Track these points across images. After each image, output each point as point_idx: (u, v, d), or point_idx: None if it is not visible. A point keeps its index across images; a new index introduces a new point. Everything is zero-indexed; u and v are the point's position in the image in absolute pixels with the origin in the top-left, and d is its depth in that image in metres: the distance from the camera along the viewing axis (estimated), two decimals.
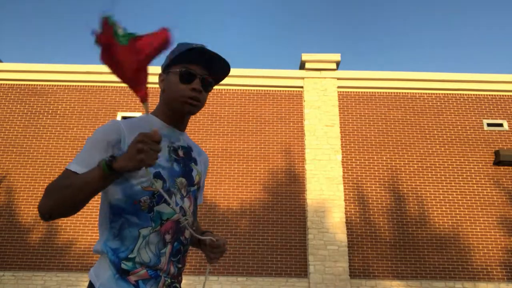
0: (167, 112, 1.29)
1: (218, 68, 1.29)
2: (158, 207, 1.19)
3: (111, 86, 9.39)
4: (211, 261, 1.33)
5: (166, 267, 1.21)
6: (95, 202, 8.50)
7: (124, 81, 0.98)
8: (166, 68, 1.29)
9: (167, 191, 1.21)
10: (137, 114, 9.18)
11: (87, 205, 8.48)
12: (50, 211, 1.09)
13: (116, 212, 1.18)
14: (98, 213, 8.39)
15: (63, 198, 1.06)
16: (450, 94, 9.36)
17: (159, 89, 1.33)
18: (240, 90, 9.39)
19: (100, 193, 1.19)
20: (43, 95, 9.31)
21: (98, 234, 8.24)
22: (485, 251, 8.23)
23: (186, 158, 1.31)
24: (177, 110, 1.26)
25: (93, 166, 1.12)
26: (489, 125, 9.09)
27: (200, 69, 1.26)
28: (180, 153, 1.29)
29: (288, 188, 8.63)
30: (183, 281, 8.00)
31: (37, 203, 8.41)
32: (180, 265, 1.27)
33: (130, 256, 1.16)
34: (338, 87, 9.34)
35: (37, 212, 8.31)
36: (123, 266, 1.14)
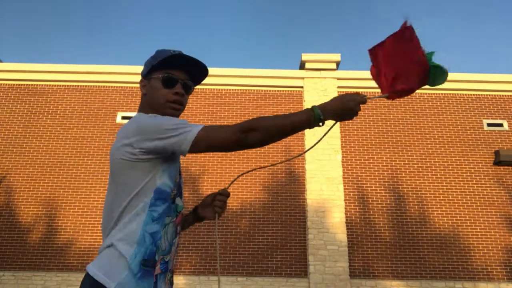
0: (149, 113, 1.34)
1: (197, 71, 1.38)
2: (177, 199, 1.28)
3: (111, 86, 9.40)
4: (216, 209, 1.38)
5: (173, 257, 1.28)
6: (95, 202, 8.51)
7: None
8: (147, 74, 1.36)
9: (179, 186, 1.31)
10: None
11: (86, 205, 8.48)
12: (257, 141, 1.17)
13: (160, 196, 1.20)
14: (101, 212, 8.40)
15: (273, 133, 1.16)
16: (450, 94, 9.37)
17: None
18: (240, 90, 9.39)
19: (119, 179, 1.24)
20: (43, 95, 9.31)
21: (98, 234, 8.25)
22: (485, 251, 8.23)
23: None
24: (161, 113, 1.32)
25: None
26: (489, 125, 9.09)
27: (180, 73, 1.34)
28: None
29: (288, 188, 8.63)
30: (183, 281, 8.00)
31: (37, 203, 8.42)
32: (175, 256, 1.34)
33: (161, 242, 1.19)
34: (338, 87, 9.34)
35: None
36: (156, 255, 1.16)
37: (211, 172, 8.72)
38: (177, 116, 1.34)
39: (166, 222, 1.21)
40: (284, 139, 8.96)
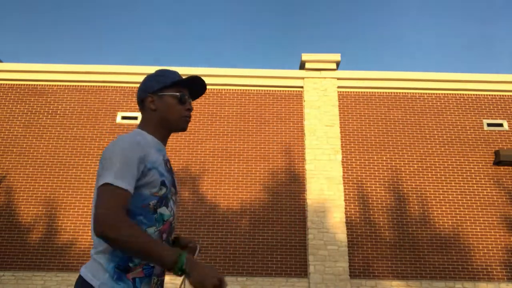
0: (159, 129, 1.47)
1: (197, 91, 1.59)
2: (160, 209, 1.36)
3: (111, 86, 9.40)
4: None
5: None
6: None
7: None
8: (157, 91, 1.48)
9: (165, 197, 1.39)
10: (137, 114, 9.19)
11: (86, 205, 8.48)
12: (113, 240, 1.14)
13: (130, 215, 1.30)
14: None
15: (131, 243, 1.14)
16: (450, 94, 9.37)
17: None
18: (240, 90, 9.39)
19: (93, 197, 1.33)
20: (43, 95, 9.31)
21: None
22: (485, 251, 8.23)
23: (171, 170, 1.52)
24: (176, 127, 1.49)
25: (132, 184, 1.24)
26: (489, 125, 9.09)
27: (187, 92, 1.54)
28: (168, 165, 1.49)
29: (288, 188, 8.63)
30: (181, 281, 7.99)
31: (37, 203, 8.42)
32: None
33: None
34: (338, 87, 9.34)
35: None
36: (130, 263, 1.27)
37: (211, 172, 8.72)
38: (186, 129, 1.54)
39: (150, 232, 1.31)
40: (284, 140, 8.96)
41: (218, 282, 1.13)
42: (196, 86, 1.56)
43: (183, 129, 1.51)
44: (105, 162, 1.24)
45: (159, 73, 1.50)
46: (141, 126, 1.47)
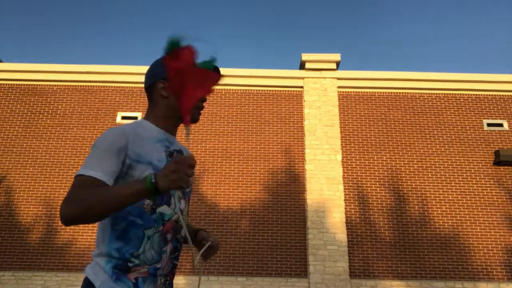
0: (168, 118, 1.36)
1: None
2: (160, 208, 1.26)
3: (111, 86, 9.40)
4: (205, 259, 1.47)
5: (165, 264, 1.30)
6: None
7: (181, 103, 1.17)
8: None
9: (165, 194, 1.29)
10: (137, 114, 9.19)
11: None
12: (76, 218, 1.07)
13: (119, 215, 1.23)
14: None
15: (93, 206, 1.06)
16: (450, 94, 9.37)
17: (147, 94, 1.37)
18: (240, 90, 9.39)
19: None
20: (43, 95, 9.31)
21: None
22: (485, 251, 8.23)
23: None
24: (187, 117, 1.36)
25: (107, 172, 1.16)
26: (489, 125, 9.09)
27: None
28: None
29: (288, 188, 8.63)
30: (183, 281, 8.00)
31: (37, 203, 8.42)
32: (176, 262, 1.37)
33: (136, 253, 1.23)
34: (338, 87, 9.34)
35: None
36: (129, 263, 1.21)
37: (211, 172, 8.72)
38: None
39: (149, 234, 1.23)
40: (284, 139, 8.96)
41: (177, 163, 1.06)
42: None
43: (195, 120, 1.39)
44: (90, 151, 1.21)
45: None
46: (147, 114, 1.37)
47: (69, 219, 1.07)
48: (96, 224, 8.35)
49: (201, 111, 1.50)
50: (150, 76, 1.38)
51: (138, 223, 1.22)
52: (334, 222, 8.27)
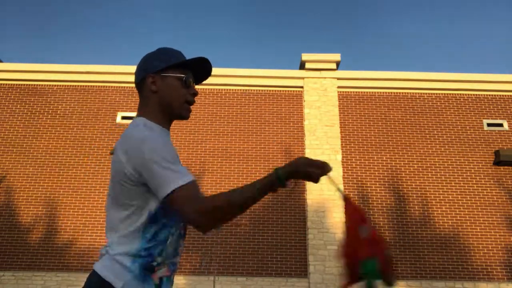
0: (161, 114, 1.31)
1: (201, 76, 1.42)
2: None
3: (111, 86, 9.40)
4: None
5: (179, 259, 1.30)
6: (95, 202, 8.51)
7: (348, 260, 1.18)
8: (160, 71, 1.31)
9: None
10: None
11: (86, 205, 8.48)
12: (220, 224, 1.13)
13: (154, 219, 1.20)
14: (101, 212, 8.39)
15: (234, 209, 1.12)
16: (450, 94, 9.36)
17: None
18: (240, 90, 9.39)
19: (108, 199, 1.28)
20: (43, 95, 9.31)
21: (98, 234, 8.24)
22: (485, 251, 8.23)
23: None
24: (177, 113, 1.31)
25: (189, 173, 1.18)
26: (489, 125, 9.09)
27: (192, 75, 1.36)
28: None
29: (288, 188, 8.63)
30: (183, 281, 8.00)
31: (37, 203, 8.42)
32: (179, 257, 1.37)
33: (161, 252, 1.21)
34: (338, 87, 9.34)
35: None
36: (154, 263, 1.19)
37: (211, 172, 8.72)
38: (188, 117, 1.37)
39: (172, 232, 1.23)
40: (284, 139, 8.96)
41: (317, 169, 1.17)
42: (200, 69, 1.39)
43: (184, 117, 1.34)
44: (155, 166, 1.13)
45: (162, 51, 1.33)
46: (141, 112, 1.31)
47: (213, 227, 1.12)
48: (95, 224, 8.35)
49: (191, 108, 1.48)
50: (141, 70, 1.33)
51: (165, 223, 1.22)
52: (334, 222, 8.27)
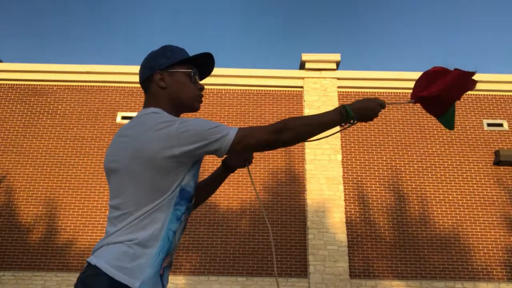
0: (171, 107, 1.35)
1: (204, 71, 1.48)
2: (194, 199, 1.34)
3: (111, 86, 9.40)
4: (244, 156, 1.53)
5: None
6: (95, 202, 8.50)
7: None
8: (168, 68, 1.35)
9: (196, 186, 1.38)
10: None
11: (86, 205, 8.48)
12: (289, 140, 1.25)
13: (184, 196, 1.23)
14: (101, 212, 8.39)
15: (304, 132, 1.25)
16: None
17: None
18: (240, 90, 9.39)
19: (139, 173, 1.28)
20: (43, 95, 9.31)
21: (98, 234, 8.24)
22: (485, 251, 8.23)
23: None
24: (186, 107, 1.37)
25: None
26: (489, 125, 9.09)
27: (197, 71, 1.43)
28: None
29: (288, 188, 8.63)
30: (183, 281, 8.00)
31: (37, 203, 8.42)
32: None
33: (175, 239, 1.23)
34: (338, 87, 9.34)
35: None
36: (168, 252, 1.20)
37: (211, 172, 8.72)
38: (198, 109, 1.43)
39: (182, 220, 1.25)
40: None
41: (378, 102, 1.32)
42: (204, 64, 1.44)
43: (196, 109, 1.40)
44: (198, 131, 1.18)
45: (167, 48, 1.38)
46: (152, 104, 1.33)
47: (285, 139, 1.24)
48: (95, 224, 8.35)
49: (202, 100, 1.54)
50: (147, 68, 1.35)
51: (180, 204, 1.22)
52: (334, 222, 8.27)
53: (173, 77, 1.34)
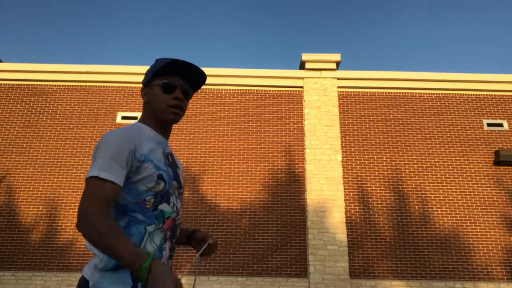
0: (154, 122, 1.40)
1: (196, 76, 1.45)
2: (161, 206, 1.30)
3: (111, 86, 9.40)
4: (205, 256, 1.50)
5: (164, 261, 1.32)
6: None
7: None
8: (148, 82, 1.42)
9: (166, 192, 1.32)
10: (137, 114, 9.19)
11: None
12: (85, 235, 1.16)
13: (122, 210, 1.25)
14: None
15: (102, 241, 1.12)
16: (450, 94, 9.37)
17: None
18: (240, 90, 9.39)
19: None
20: (43, 95, 9.31)
21: None
22: (485, 251, 8.23)
23: (173, 164, 1.44)
24: (162, 119, 1.38)
25: (121, 176, 1.21)
26: (489, 125, 9.09)
27: (179, 80, 1.40)
28: (170, 159, 1.42)
29: (288, 188, 8.63)
30: (183, 281, 7.99)
31: (37, 203, 8.42)
32: (171, 260, 1.40)
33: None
34: (338, 87, 9.34)
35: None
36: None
37: (211, 172, 8.72)
38: (177, 120, 1.40)
39: (150, 230, 1.26)
40: (284, 139, 8.97)
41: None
42: (190, 73, 1.42)
43: (170, 120, 1.38)
44: (94, 156, 1.23)
45: (154, 63, 1.42)
46: (140, 119, 1.43)
47: (82, 232, 1.15)
48: None
49: (178, 111, 1.45)
50: (142, 84, 1.46)
51: (140, 219, 1.25)
52: (334, 222, 8.27)
53: (151, 91, 1.39)
